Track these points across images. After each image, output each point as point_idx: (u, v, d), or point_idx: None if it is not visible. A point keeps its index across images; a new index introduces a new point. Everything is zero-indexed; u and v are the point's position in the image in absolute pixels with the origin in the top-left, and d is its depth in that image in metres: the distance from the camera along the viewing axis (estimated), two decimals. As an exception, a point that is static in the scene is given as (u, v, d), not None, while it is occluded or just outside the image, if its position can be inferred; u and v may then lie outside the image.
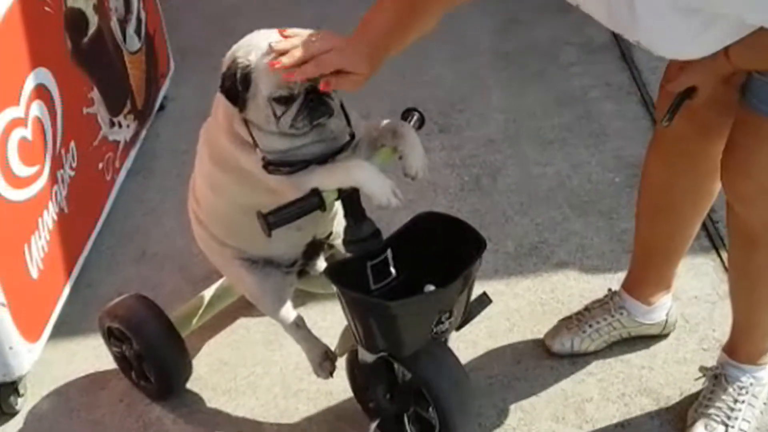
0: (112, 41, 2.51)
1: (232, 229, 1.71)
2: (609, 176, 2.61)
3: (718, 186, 1.78)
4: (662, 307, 2.01)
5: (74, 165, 2.24)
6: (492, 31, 3.42)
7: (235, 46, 1.50)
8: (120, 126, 2.55)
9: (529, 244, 2.40)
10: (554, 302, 2.20)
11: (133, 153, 2.66)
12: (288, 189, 1.48)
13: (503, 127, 2.86)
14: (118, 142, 2.54)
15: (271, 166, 1.48)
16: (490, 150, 2.76)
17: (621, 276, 2.07)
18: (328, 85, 1.41)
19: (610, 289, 2.07)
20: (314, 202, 1.47)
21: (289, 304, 1.78)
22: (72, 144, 2.22)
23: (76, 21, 2.26)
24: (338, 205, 1.73)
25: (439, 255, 1.63)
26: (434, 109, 2.91)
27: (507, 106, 2.96)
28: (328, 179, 1.47)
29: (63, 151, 2.17)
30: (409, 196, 2.41)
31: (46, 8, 2.09)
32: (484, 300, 1.77)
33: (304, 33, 1.45)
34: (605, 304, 2.03)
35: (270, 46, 1.42)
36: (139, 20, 2.73)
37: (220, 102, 1.53)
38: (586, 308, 2.06)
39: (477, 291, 1.72)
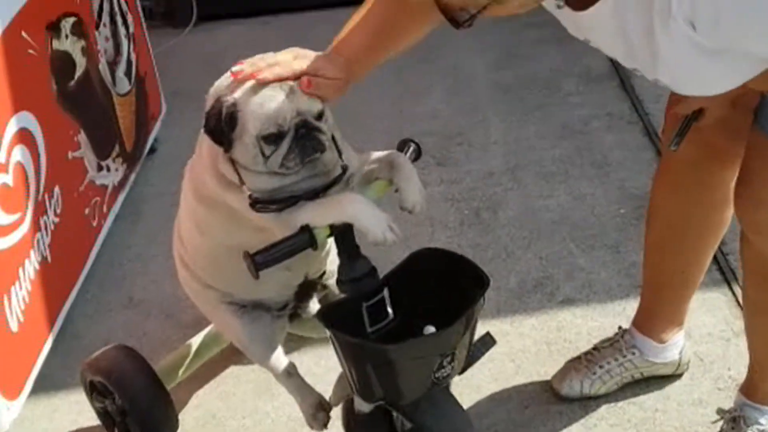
0: (100, 84, 2.45)
1: (217, 270, 1.62)
2: (614, 208, 2.53)
3: (730, 215, 1.71)
4: (675, 345, 1.91)
5: (59, 211, 2.15)
6: (489, 65, 3.38)
7: (217, 83, 1.43)
8: (108, 170, 2.48)
9: (533, 280, 2.31)
10: (562, 342, 2.10)
11: (121, 197, 2.58)
12: (277, 227, 1.40)
13: (503, 159, 2.79)
14: (105, 187, 2.46)
15: (259, 204, 1.39)
16: (490, 183, 2.69)
17: (631, 313, 1.98)
18: (309, 84, 1.34)
19: (620, 327, 1.97)
20: (305, 239, 1.38)
21: (280, 351, 1.68)
22: (56, 189, 2.14)
23: (62, 64, 2.20)
24: (331, 242, 1.64)
25: (439, 294, 1.53)
26: (431, 143, 2.85)
27: (507, 139, 2.90)
28: (319, 215, 1.38)
29: (46, 197, 2.09)
30: (406, 231, 2.32)
31: (30, 51, 2.03)
32: (488, 341, 1.67)
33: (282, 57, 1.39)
34: (615, 343, 1.93)
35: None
36: (129, 62, 2.68)
37: (204, 140, 1.45)
38: (596, 348, 1.96)
39: (480, 331, 1.62)
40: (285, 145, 1.35)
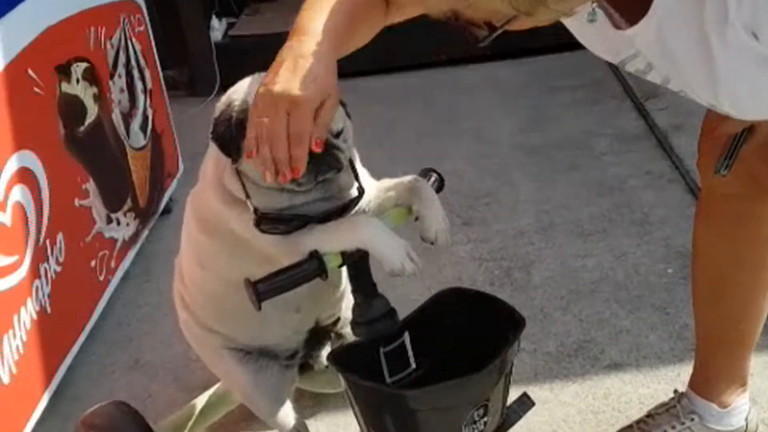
0: (113, 134, 2.36)
1: (220, 311, 1.46)
2: (659, 267, 2.34)
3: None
4: (740, 410, 1.68)
5: (61, 259, 2.02)
6: (515, 128, 3.28)
7: (231, 89, 1.30)
8: (118, 223, 2.35)
9: (573, 343, 2.10)
10: (609, 410, 1.88)
11: (131, 254, 2.45)
12: (283, 253, 1.24)
13: (534, 218, 2.63)
14: (115, 240, 2.33)
15: (265, 223, 1.23)
16: (521, 242, 2.51)
17: (686, 378, 1.75)
18: (318, 144, 1.13)
19: (676, 391, 1.75)
20: (313, 267, 1.21)
21: (288, 406, 1.50)
22: (60, 236, 2.01)
23: (71, 107, 2.12)
24: (346, 284, 1.48)
25: (467, 341, 1.35)
26: (456, 202, 2.71)
27: (537, 198, 2.74)
28: (329, 240, 1.22)
29: (48, 243, 1.96)
30: (430, 288, 2.17)
31: (36, 89, 1.94)
32: (526, 402, 1.47)
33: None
34: (672, 408, 1.71)
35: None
36: (145, 117, 2.59)
37: (210, 156, 1.32)
38: (649, 415, 1.74)
39: (516, 395, 1.44)
40: None
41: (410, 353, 1.37)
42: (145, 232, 2.56)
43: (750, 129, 1.38)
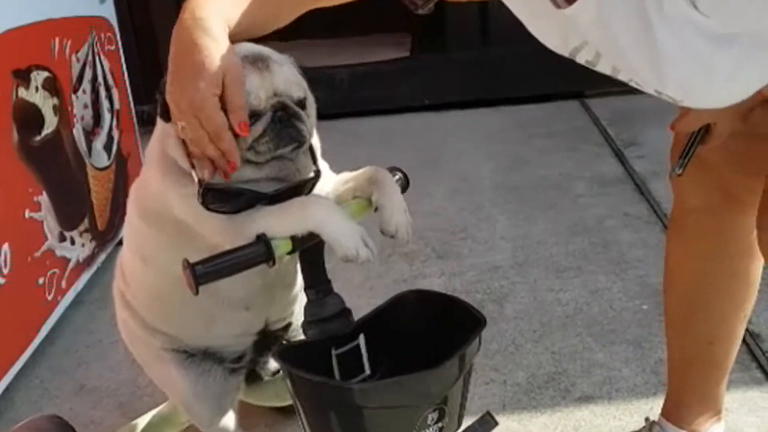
0: (72, 149, 2.27)
1: (164, 308, 1.35)
2: (634, 304, 2.25)
3: (757, 270, 1.46)
4: (713, 439, 1.58)
5: (5, 271, 1.90)
6: (495, 171, 3.24)
7: None
8: (72, 242, 2.24)
9: (544, 375, 1.99)
10: (579, 442, 1.77)
11: (85, 277, 2.33)
12: (228, 237, 1.14)
13: (510, 254, 2.55)
14: (67, 260, 2.22)
15: (210, 198, 1.13)
16: (495, 276, 2.43)
17: (659, 411, 1.66)
18: (242, 127, 1.09)
19: (647, 419, 1.66)
20: (260, 251, 1.11)
21: (231, 416, 1.37)
22: (5, 247, 1.90)
23: (27, 115, 2.03)
24: (300, 287, 1.38)
25: (427, 346, 1.25)
26: (433, 237, 2.64)
27: (514, 235, 2.67)
28: (278, 222, 1.12)
29: (-8, 252, 1.86)
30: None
31: (-11, 90, 1.86)
32: (489, 421, 1.36)
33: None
34: (643, 437, 1.61)
35: None
36: (110, 137, 2.51)
37: (157, 127, 1.23)
38: (620, 444, 1.63)
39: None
40: (259, 126, 1.12)
41: (365, 357, 1.27)
42: (102, 256, 2.45)
43: (707, 130, 1.32)
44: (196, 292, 1.09)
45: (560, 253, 2.53)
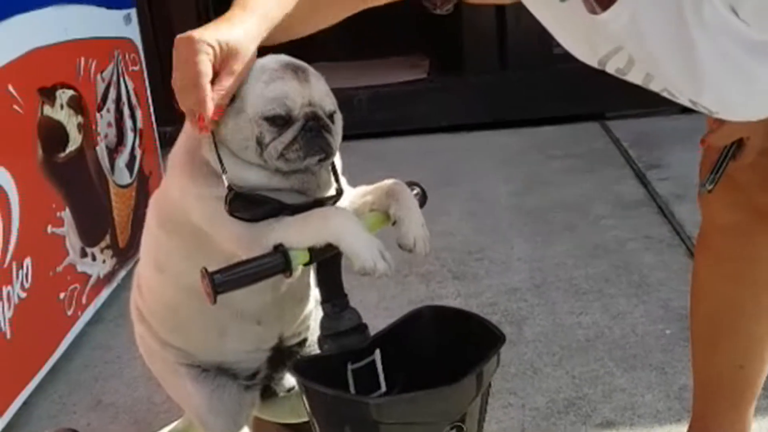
0: (96, 167, 2.30)
1: (177, 322, 1.35)
2: (657, 328, 2.22)
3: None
4: (739, 465, 1.54)
5: (27, 286, 1.92)
6: (513, 191, 3.23)
7: None
8: (94, 258, 2.26)
9: (564, 399, 1.96)
10: (600, 467, 1.74)
11: (105, 293, 2.34)
12: (245, 245, 1.14)
13: (528, 275, 2.53)
14: (88, 276, 2.24)
15: (236, 204, 1.14)
16: (513, 298, 2.41)
17: (683, 438, 1.64)
18: (202, 121, 1.09)
19: (670, 444, 1.62)
20: (277, 262, 1.11)
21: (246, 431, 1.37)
22: (27, 261, 1.92)
23: (52, 132, 2.06)
24: (314, 302, 1.38)
25: (444, 363, 1.24)
26: (449, 258, 2.62)
27: (532, 256, 2.65)
28: (296, 232, 1.13)
29: (14, 266, 1.87)
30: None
31: (16, 107, 1.89)
32: None
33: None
34: (666, 462, 1.57)
35: None
36: (133, 156, 2.54)
37: (184, 131, 1.24)
38: (642, 470, 1.59)
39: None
40: (290, 133, 1.14)
41: (381, 374, 1.25)
42: (122, 273, 2.46)
43: (739, 144, 1.30)
44: (214, 301, 1.09)
45: (580, 276, 2.51)
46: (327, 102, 1.18)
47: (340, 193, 1.23)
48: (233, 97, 1.13)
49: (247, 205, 1.14)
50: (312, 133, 1.15)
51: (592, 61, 1.12)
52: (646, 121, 3.68)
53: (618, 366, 2.08)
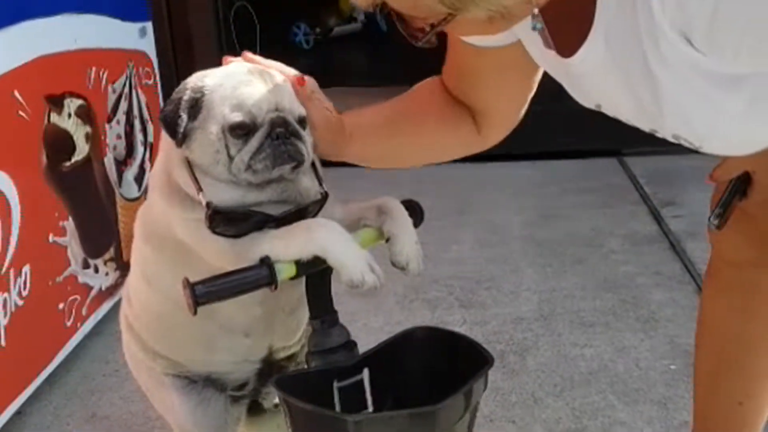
0: (102, 179, 2.30)
1: (165, 331, 1.32)
2: (662, 363, 2.17)
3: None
4: None
5: (25, 294, 1.91)
6: (526, 223, 3.19)
7: (209, 70, 1.19)
8: (96, 270, 2.25)
9: (563, 430, 1.92)
10: (598, 502, 1.69)
11: (107, 305, 2.33)
12: (230, 260, 1.12)
13: (536, 306, 2.49)
14: (90, 287, 2.22)
15: (217, 221, 1.11)
16: (518, 328, 2.37)
17: (682, 474, 1.59)
18: (302, 81, 1.16)
19: (668, 483, 1.57)
20: (262, 274, 1.09)
21: (230, 448, 1.34)
22: (26, 269, 1.91)
23: (58, 140, 2.06)
24: (305, 316, 1.35)
25: (434, 385, 1.21)
26: (457, 285, 2.59)
27: (541, 287, 2.61)
28: (282, 244, 1.10)
29: (12, 273, 1.86)
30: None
31: (21, 113, 1.89)
32: None
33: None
34: (663, 500, 1.52)
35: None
36: (142, 170, 2.54)
37: (161, 149, 1.23)
38: (639, 508, 1.54)
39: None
40: (255, 141, 1.11)
41: (368, 393, 1.22)
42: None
43: (748, 180, 1.27)
44: (194, 312, 1.07)
45: (587, 308, 2.47)
46: (296, 106, 1.15)
47: (325, 196, 1.20)
48: (199, 109, 1.11)
49: (228, 221, 1.12)
50: (278, 140, 1.11)
51: (590, 106, 1.11)
52: (664, 159, 3.64)
53: (619, 399, 2.03)
